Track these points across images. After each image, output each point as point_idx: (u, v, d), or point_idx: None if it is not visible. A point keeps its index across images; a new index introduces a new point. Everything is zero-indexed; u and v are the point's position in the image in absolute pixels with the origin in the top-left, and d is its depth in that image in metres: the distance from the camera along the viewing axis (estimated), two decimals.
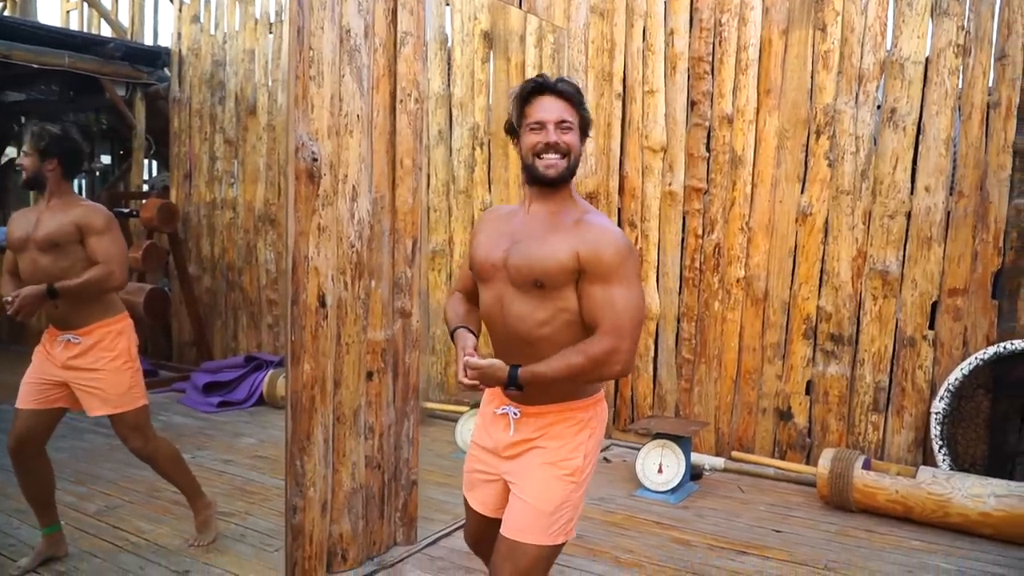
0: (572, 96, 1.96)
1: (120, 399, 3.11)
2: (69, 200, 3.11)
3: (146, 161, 7.59)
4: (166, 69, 7.07)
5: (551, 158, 1.94)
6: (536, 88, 1.97)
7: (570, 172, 1.97)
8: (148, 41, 7.34)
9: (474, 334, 2.13)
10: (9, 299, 2.94)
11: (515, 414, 2.05)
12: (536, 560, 1.97)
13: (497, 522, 2.09)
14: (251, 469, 4.33)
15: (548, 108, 1.95)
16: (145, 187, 7.49)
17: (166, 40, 7.15)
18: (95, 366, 3.07)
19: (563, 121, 1.94)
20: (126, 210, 6.75)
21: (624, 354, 1.90)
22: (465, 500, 2.27)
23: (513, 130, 2.03)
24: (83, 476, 4.18)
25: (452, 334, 2.13)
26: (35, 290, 2.95)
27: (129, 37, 7.24)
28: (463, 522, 3.43)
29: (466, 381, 1.96)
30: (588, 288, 1.92)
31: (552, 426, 2.03)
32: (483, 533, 2.24)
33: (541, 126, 1.94)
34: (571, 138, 1.95)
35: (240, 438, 4.96)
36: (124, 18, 7.41)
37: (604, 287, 1.90)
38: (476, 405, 4.71)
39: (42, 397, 3.11)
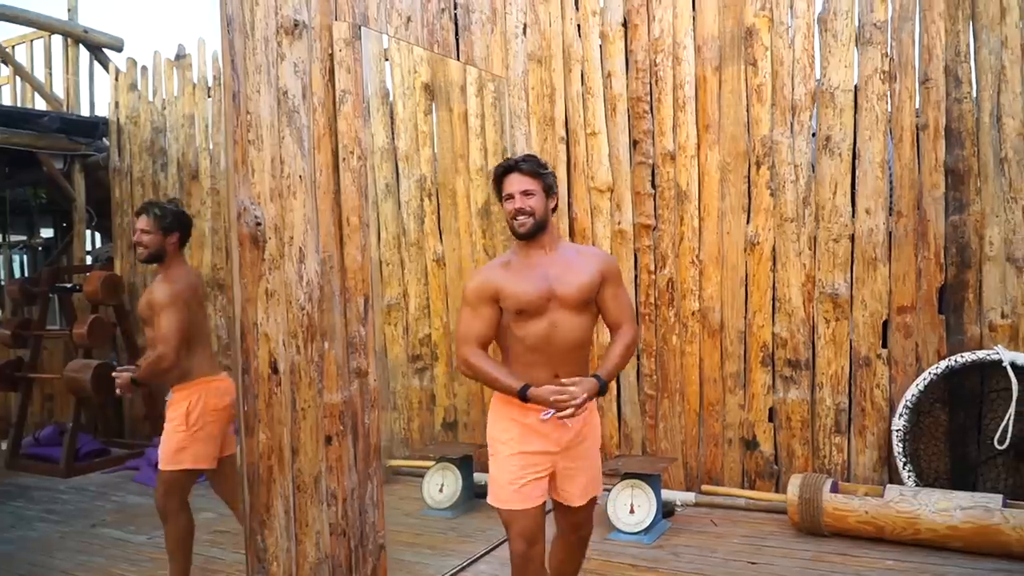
0: (532, 170, 2.58)
1: (165, 457, 3.36)
2: (166, 273, 3.42)
3: (89, 233, 7.44)
4: (104, 139, 6.97)
5: (521, 219, 2.56)
6: (505, 169, 2.61)
7: (538, 226, 2.57)
8: (85, 112, 7.23)
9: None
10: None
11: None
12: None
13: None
14: (212, 546, 4.17)
15: (514, 183, 2.58)
16: (89, 260, 7.32)
17: (103, 110, 7.06)
18: (166, 424, 3.41)
19: (526, 191, 2.56)
20: (69, 285, 6.59)
21: (637, 333, 2.76)
22: (514, 513, 2.60)
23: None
24: (35, 569, 4.00)
25: (523, 392, 2.51)
26: (124, 378, 3.37)
27: (65, 109, 7.13)
28: None
29: (576, 411, 2.46)
30: (607, 294, 2.65)
31: (590, 415, 2.68)
32: (540, 526, 2.64)
33: (511, 197, 2.57)
34: (534, 202, 2.56)
35: (199, 513, 4.71)
36: (59, 90, 7.30)
37: (616, 291, 2.67)
38: (441, 459, 4.64)
39: None
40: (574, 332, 2.59)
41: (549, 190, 2.60)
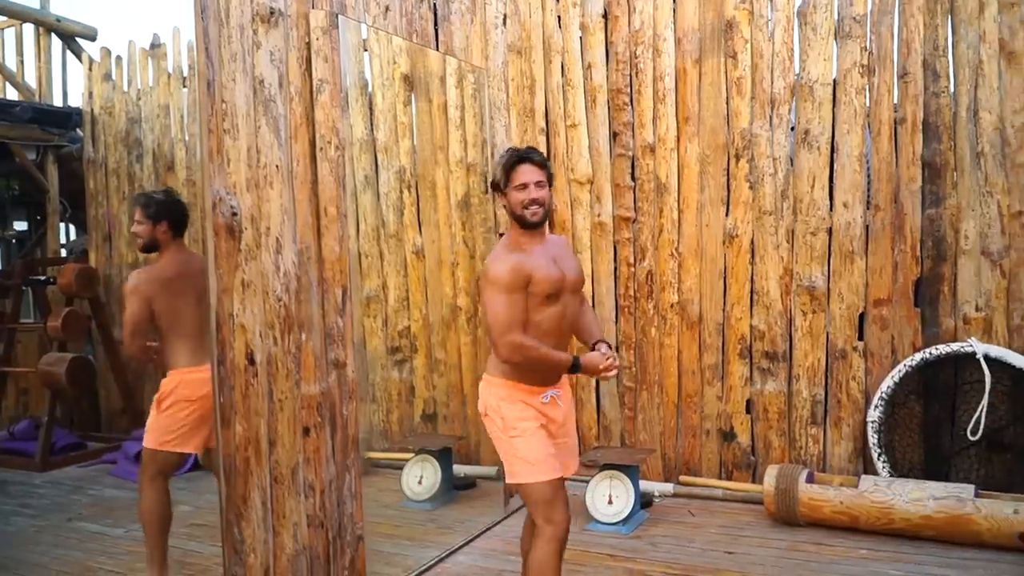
0: (542, 162, 2.69)
1: (145, 433, 3.48)
2: (156, 262, 3.51)
3: (63, 225, 7.34)
4: (78, 130, 6.87)
5: (534, 208, 2.65)
6: (518, 159, 2.66)
7: (546, 216, 2.70)
8: (58, 102, 7.14)
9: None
10: None
11: (559, 393, 2.76)
12: None
13: None
14: (189, 539, 4.14)
15: (528, 173, 2.65)
16: (63, 252, 7.23)
17: (77, 100, 6.97)
18: None
19: (539, 181, 2.65)
20: (43, 277, 6.50)
21: None
22: (556, 482, 2.65)
23: (497, 187, 2.70)
24: (10, 562, 3.95)
25: (576, 363, 2.66)
26: None
27: (37, 99, 7.03)
28: (413, 574, 3.36)
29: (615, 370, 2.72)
30: None
31: (570, 394, 2.88)
32: None
33: (524, 187, 2.63)
34: (545, 193, 2.68)
35: (176, 507, 4.67)
36: (31, 79, 7.19)
37: None
38: (420, 451, 4.63)
39: None
40: (575, 313, 2.79)
41: (551, 182, 2.75)
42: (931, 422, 4.06)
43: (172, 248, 3.49)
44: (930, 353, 3.94)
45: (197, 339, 3.44)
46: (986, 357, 3.80)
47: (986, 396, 3.80)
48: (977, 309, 3.96)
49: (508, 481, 2.76)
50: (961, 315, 3.99)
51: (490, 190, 2.78)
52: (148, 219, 3.44)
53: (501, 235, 4.46)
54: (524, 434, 2.66)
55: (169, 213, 3.48)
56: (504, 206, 2.74)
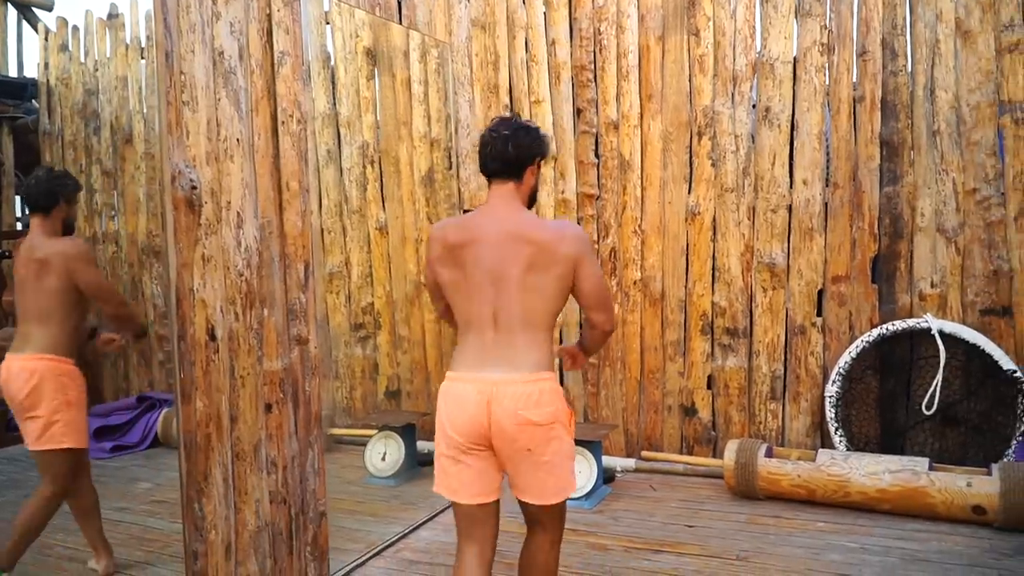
0: None
1: None
2: None
3: (18, 198, 7.16)
4: (34, 101, 6.69)
5: None
6: None
7: None
8: (12, 73, 6.94)
9: None
10: None
11: None
12: None
13: None
14: (148, 516, 4.10)
15: None
16: (19, 225, 7.06)
17: (32, 71, 6.78)
18: None
19: None
20: None
21: None
22: None
23: (543, 159, 2.46)
24: None
25: None
26: None
27: None
28: (376, 549, 3.38)
29: None
30: None
31: None
32: None
33: None
34: None
35: (136, 483, 4.70)
36: None
37: None
38: (384, 428, 4.63)
39: None
40: None
41: None
42: (887, 397, 4.15)
43: (31, 228, 3.32)
44: (886, 329, 4.02)
45: (18, 326, 3.37)
46: (941, 333, 3.89)
47: (940, 371, 3.89)
48: (932, 285, 4.04)
49: (565, 497, 2.40)
50: (917, 291, 4.08)
51: (535, 161, 2.40)
52: None
53: (466, 211, 4.45)
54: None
55: (22, 193, 3.37)
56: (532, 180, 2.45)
